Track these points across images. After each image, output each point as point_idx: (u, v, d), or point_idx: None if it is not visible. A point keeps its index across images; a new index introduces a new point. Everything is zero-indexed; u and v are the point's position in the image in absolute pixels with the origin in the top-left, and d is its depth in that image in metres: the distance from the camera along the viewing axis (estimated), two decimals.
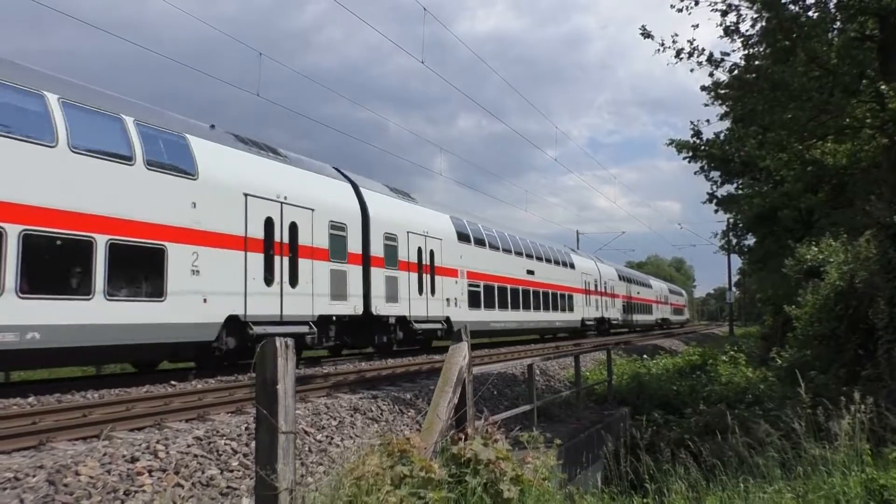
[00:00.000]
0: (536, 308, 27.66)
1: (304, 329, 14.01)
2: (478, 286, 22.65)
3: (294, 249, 14.05)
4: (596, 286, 36.49)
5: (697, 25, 13.92)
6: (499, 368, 12.57)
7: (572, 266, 33.19)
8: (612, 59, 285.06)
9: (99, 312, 9.92)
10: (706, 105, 15.68)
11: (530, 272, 27.36)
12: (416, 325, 18.54)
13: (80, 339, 9.67)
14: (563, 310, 30.88)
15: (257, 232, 13.07)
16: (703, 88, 14.24)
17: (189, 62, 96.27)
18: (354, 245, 16.14)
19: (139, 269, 10.80)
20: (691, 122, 15.02)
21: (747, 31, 12.77)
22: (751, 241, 31.00)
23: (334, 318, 15.24)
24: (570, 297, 31.94)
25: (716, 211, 25.92)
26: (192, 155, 11.92)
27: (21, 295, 8.99)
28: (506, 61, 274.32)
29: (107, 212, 10.20)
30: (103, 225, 10.14)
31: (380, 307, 16.88)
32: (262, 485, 3.21)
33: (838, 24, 12.09)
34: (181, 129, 12.15)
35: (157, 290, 10.94)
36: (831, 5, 12.03)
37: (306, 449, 7.16)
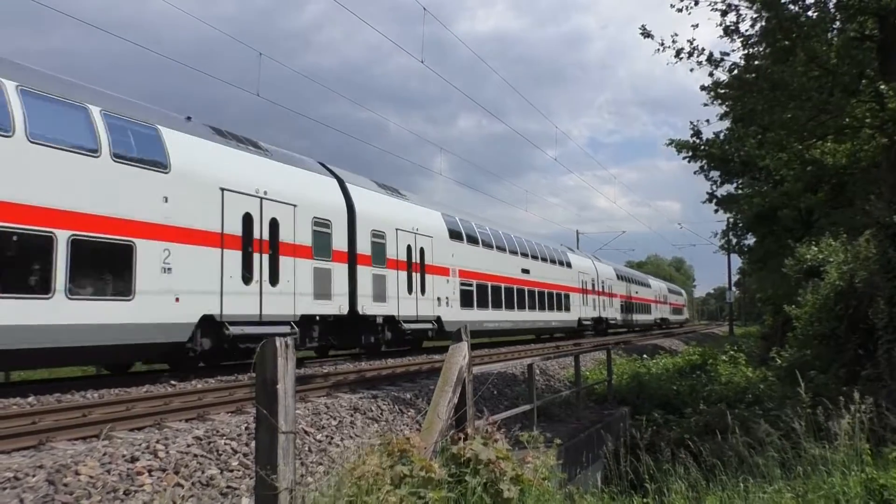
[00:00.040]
0: (532, 308, 27.24)
1: (286, 329, 13.53)
2: (470, 285, 22.19)
3: (275, 247, 13.60)
4: (593, 285, 36.20)
5: (697, 25, 13.92)
6: (499, 368, 12.58)
7: (569, 265, 32.80)
8: (612, 58, 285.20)
9: (59, 312, 9.40)
10: (705, 105, 15.70)
11: (525, 271, 26.94)
12: (406, 325, 18.07)
13: (38, 340, 9.17)
14: (560, 309, 30.49)
15: (235, 228, 12.60)
16: (703, 88, 14.25)
17: (189, 62, 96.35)
18: (340, 242, 15.68)
19: (105, 266, 10.26)
20: (691, 123, 15.04)
21: (747, 30, 12.79)
22: (751, 240, 31.05)
23: (318, 318, 14.80)
24: (567, 297, 31.56)
25: (716, 211, 25.94)
26: (164, 147, 11.41)
27: None
28: (506, 61, 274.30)
29: (68, 206, 9.68)
30: (64, 220, 9.62)
31: (367, 307, 16.45)
32: (262, 484, 3.21)
33: (838, 23, 12.09)
34: (153, 120, 11.64)
35: (124, 289, 10.41)
36: (831, 5, 12.04)
37: (306, 449, 7.16)
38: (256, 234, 13.11)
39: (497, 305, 24.07)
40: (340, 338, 16.38)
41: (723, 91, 14.20)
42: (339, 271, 15.52)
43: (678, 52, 13.06)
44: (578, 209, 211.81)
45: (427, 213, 20.60)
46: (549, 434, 7.70)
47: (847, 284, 11.74)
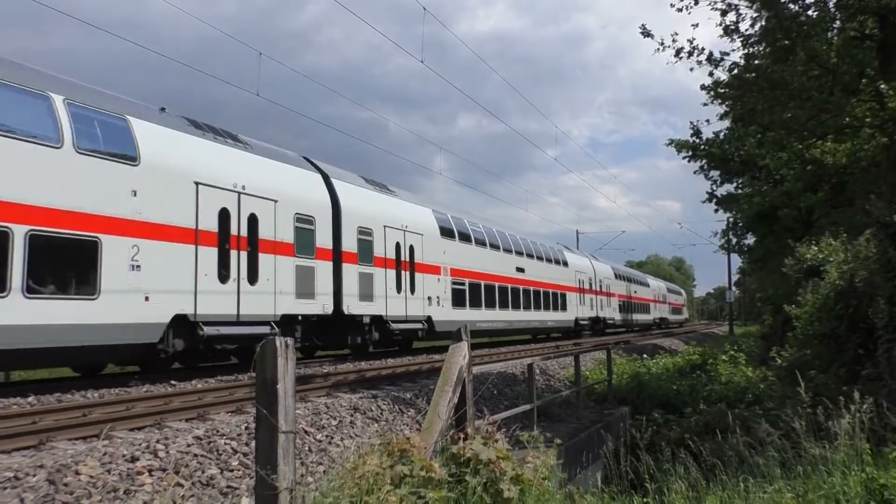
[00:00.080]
0: (527, 307, 26.77)
1: (265, 330, 12.91)
2: (463, 284, 21.67)
3: (254, 243, 13.08)
4: (591, 285, 35.79)
5: (697, 25, 13.89)
6: (499, 368, 12.57)
7: (565, 264, 32.33)
8: (612, 58, 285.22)
9: (15, 312, 8.93)
10: (705, 105, 15.67)
11: (520, 270, 26.45)
12: (394, 326, 17.50)
13: None
14: (556, 309, 30.00)
15: (210, 224, 12.09)
16: (703, 87, 14.24)
17: (189, 62, 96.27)
18: (324, 239, 15.16)
19: (67, 263, 9.78)
20: (691, 123, 15.03)
21: (747, 30, 12.77)
22: (751, 240, 31.05)
23: (300, 317, 14.26)
24: (563, 296, 31.07)
25: (716, 210, 25.89)
26: (133, 139, 10.89)
27: None
28: (506, 61, 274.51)
29: (26, 199, 9.20)
30: (22, 214, 9.14)
31: (352, 306, 15.92)
32: (263, 484, 3.21)
33: (838, 23, 12.09)
34: (122, 110, 11.09)
35: (88, 287, 9.89)
36: (831, 4, 12.03)
37: (306, 448, 7.16)
38: (234, 231, 12.64)
39: (491, 305, 23.55)
40: (325, 338, 15.94)
41: (723, 90, 14.19)
42: (323, 269, 15.06)
43: (678, 52, 13.05)
44: (578, 209, 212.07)
45: (417, 210, 20.07)
46: (549, 434, 7.71)
47: (847, 284, 11.73)
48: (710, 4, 12.85)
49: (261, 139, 15.64)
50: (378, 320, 17.01)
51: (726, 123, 16.89)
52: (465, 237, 22.49)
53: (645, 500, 6.18)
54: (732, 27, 12.77)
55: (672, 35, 13.04)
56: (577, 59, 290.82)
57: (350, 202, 16.42)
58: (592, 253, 43.96)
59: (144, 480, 5.42)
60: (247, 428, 7.01)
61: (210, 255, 12.04)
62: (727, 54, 13.25)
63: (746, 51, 13.05)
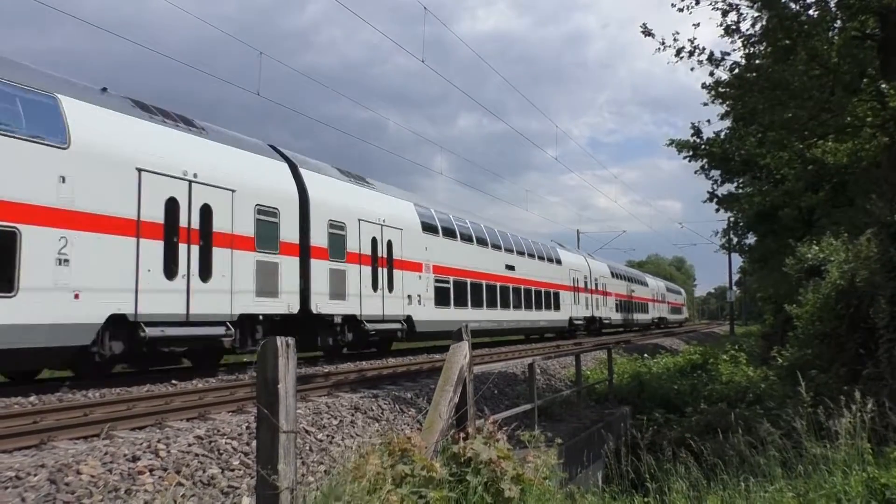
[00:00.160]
0: (517, 306, 25.74)
1: (219, 331, 11.97)
2: (447, 282, 20.60)
3: (207, 237, 12.01)
4: (586, 283, 34.94)
5: (699, 24, 13.87)
6: (499, 368, 12.59)
7: (559, 262, 31.35)
8: (612, 58, 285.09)
9: None
10: (706, 104, 15.67)
11: (510, 267, 25.45)
12: (369, 326, 16.36)
13: None
14: (549, 308, 29.06)
15: (155, 215, 11.07)
16: (705, 86, 14.23)
17: (189, 61, 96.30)
18: (289, 233, 14.04)
19: None
20: (692, 124, 15.04)
21: (748, 30, 12.76)
22: (751, 239, 31.09)
23: (261, 317, 13.19)
24: (557, 295, 30.18)
25: (716, 210, 25.90)
26: (62, 119, 9.86)
27: None
28: (506, 61, 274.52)
29: None
30: None
31: (322, 305, 14.80)
32: (264, 484, 3.21)
33: (839, 22, 12.08)
34: (51, 87, 10.04)
35: (3, 283, 8.94)
36: (832, 4, 12.01)
37: (307, 448, 7.16)
38: (184, 223, 11.60)
39: (477, 304, 22.51)
40: (293, 340, 14.98)
41: (723, 90, 14.18)
42: (289, 265, 13.95)
43: (679, 52, 13.03)
44: (579, 209, 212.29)
45: (396, 204, 18.93)
46: (549, 433, 7.70)
47: (848, 283, 11.71)
48: (710, 5, 12.85)
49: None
50: (351, 320, 15.92)
51: (727, 123, 16.91)
52: (449, 233, 21.43)
53: (646, 499, 6.18)
54: (733, 27, 12.76)
55: (673, 34, 13.03)
56: (577, 59, 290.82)
57: (320, 194, 15.35)
58: (592, 252, 43.68)
59: (145, 480, 5.43)
60: (248, 427, 7.02)
61: (155, 248, 11.05)
62: (728, 54, 13.25)
63: (747, 50, 13.04)
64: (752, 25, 12.71)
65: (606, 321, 38.11)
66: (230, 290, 12.35)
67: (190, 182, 11.77)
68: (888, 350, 9.16)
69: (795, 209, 23.79)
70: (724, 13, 12.72)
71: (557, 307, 30.16)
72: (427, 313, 19.15)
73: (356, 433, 8.09)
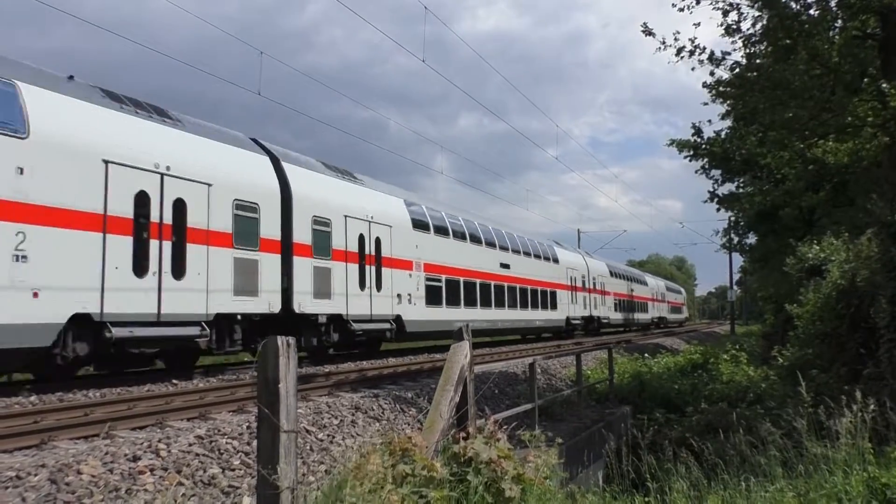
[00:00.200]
0: (512, 306, 25.16)
1: (193, 331, 11.43)
2: (438, 280, 20.00)
3: (181, 233, 11.49)
4: (583, 282, 34.46)
5: (699, 24, 13.85)
6: (500, 367, 12.59)
7: (556, 260, 30.84)
8: (613, 58, 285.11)
9: None
10: (706, 104, 15.67)
11: (505, 266, 24.88)
12: (356, 326, 15.77)
13: None
14: (545, 308, 28.52)
15: (124, 209, 10.54)
16: (706, 85, 14.22)
17: (190, 61, 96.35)
18: (270, 229, 13.51)
19: None
20: (692, 124, 15.03)
21: (748, 30, 12.75)
22: (752, 239, 31.07)
23: (240, 316, 12.66)
24: (553, 294, 29.66)
25: (717, 209, 25.88)
26: (20, 107, 9.37)
27: None
28: (507, 60, 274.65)
29: None
30: None
31: (305, 304, 14.27)
32: (264, 483, 3.21)
33: (840, 22, 12.07)
34: (8, 74, 9.51)
35: None
36: (832, 3, 12.01)
37: (308, 448, 7.17)
38: (155, 217, 11.05)
39: (471, 303, 21.92)
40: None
41: (724, 89, 14.17)
42: (269, 263, 13.40)
43: (679, 51, 13.01)
44: (580, 208, 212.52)
45: (385, 200, 18.36)
46: (550, 433, 7.69)
47: (849, 283, 11.71)
48: (711, 4, 12.82)
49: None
50: (337, 320, 15.34)
51: (728, 123, 16.92)
52: (441, 230, 20.77)
53: (646, 499, 6.17)
54: (734, 27, 12.75)
55: (674, 34, 13.00)
56: (577, 59, 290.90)
57: (304, 189, 14.77)
58: (592, 252, 43.56)
59: (146, 480, 5.43)
60: (248, 427, 7.02)
61: (123, 245, 10.50)
62: (728, 54, 13.23)
63: (748, 50, 13.02)
64: (753, 25, 12.71)
65: (605, 321, 37.72)
66: (206, 289, 11.85)
67: (162, 175, 11.27)
68: (889, 350, 9.16)
69: (796, 209, 23.79)
70: (725, 13, 12.70)
71: (554, 306, 29.73)
72: (417, 313, 18.65)
73: (357, 433, 8.09)
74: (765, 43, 12.78)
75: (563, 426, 10.50)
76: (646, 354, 21.06)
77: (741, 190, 25.66)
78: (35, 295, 9.20)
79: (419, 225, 19.47)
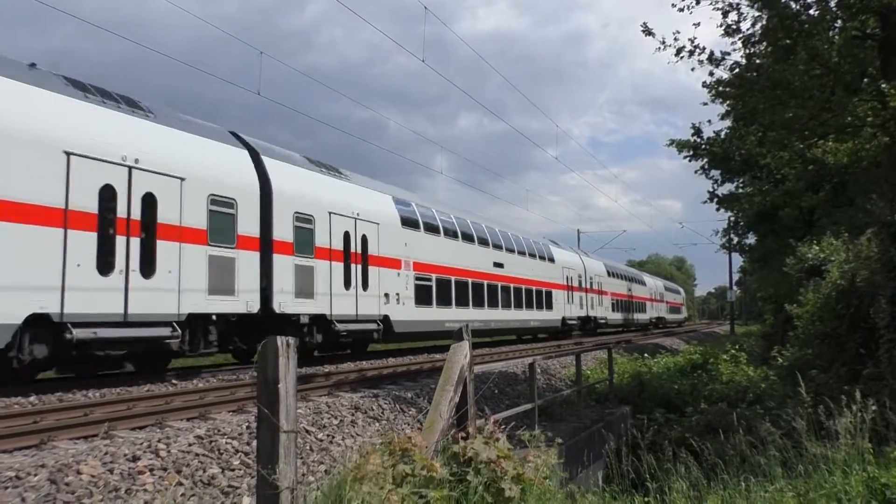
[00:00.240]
0: (506, 306, 24.66)
1: (164, 332, 10.94)
2: (428, 280, 19.45)
3: (150, 229, 10.98)
4: (580, 282, 34.06)
5: (699, 24, 13.86)
6: (500, 367, 12.59)
7: (552, 260, 30.35)
8: (613, 57, 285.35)
9: None
10: (706, 104, 15.68)
11: (498, 265, 24.35)
12: (340, 326, 15.21)
13: None
14: (541, 307, 28.04)
15: (88, 204, 9.99)
16: (705, 85, 14.22)
17: (190, 61, 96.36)
18: (248, 226, 12.98)
19: None
20: (692, 124, 15.04)
21: (748, 30, 12.75)
22: (752, 239, 31.09)
23: (215, 317, 12.14)
24: (549, 294, 29.17)
25: (717, 210, 25.91)
26: None
27: None
28: (507, 60, 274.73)
29: None
30: None
31: (286, 304, 13.71)
32: (264, 483, 3.21)
33: (839, 22, 12.08)
34: None
35: None
36: (832, 3, 12.01)
37: (308, 448, 7.17)
38: (122, 213, 10.52)
39: (462, 303, 21.33)
40: (251, 341, 13.20)
41: (724, 89, 14.17)
42: (247, 261, 12.84)
43: (679, 51, 13.01)
44: (580, 208, 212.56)
45: (372, 196, 17.77)
46: (550, 433, 7.70)
47: (848, 283, 11.71)
48: (711, 4, 12.83)
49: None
50: (320, 320, 14.79)
51: (727, 123, 16.92)
52: (431, 228, 20.15)
53: (646, 499, 6.17)
54: (734, 27, 12.76)
55: (673, 34, 13.01)
56: (577, 59, 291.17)
57: (285, 184, 14.26)
58: (592, 252, 43.46)
59: (146, 480, 5.43)
60: (248, 427, 7.02)
61: (86, 241, 9.94)
62: (728, 54, 13.24)
63: (748, 50, 13.03)
64: (753, 25, 12.72)
65: (602, 321, 37.34)
66: (177, 288, 11.32)
67: (130, 168, 10.71)
68: (888, 350, 9.17)
69: (796, 209, 23.80)
70: (725, 13, 12.72)
71: (550, 306, 29.26)
72: (406, 313, 18.13)
73: (357, 433, 8.09)
74: (764, 43, 12.79)
75: (563, 426, 10.50)
76: (645, 354, 21.07)
77: (741, 190, 25.69)
78: None
79: (408, 223, 18.93)
